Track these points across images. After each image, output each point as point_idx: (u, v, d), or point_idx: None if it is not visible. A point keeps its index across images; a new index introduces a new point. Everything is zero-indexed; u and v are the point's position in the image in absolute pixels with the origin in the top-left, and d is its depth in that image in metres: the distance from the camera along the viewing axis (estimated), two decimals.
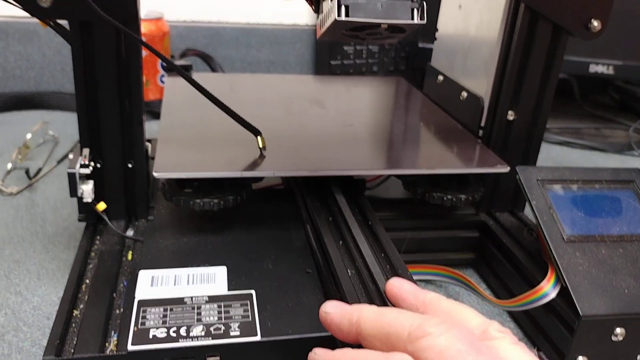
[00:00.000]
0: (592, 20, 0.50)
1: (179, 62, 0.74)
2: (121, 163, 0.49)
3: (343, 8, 0.34)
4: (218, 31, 1.05)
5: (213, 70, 0.83)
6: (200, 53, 0.80)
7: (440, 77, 0.66)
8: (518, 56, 0.53)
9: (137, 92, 0.47)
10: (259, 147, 0.50)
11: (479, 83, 0.58)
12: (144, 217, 0.52)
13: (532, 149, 0.56)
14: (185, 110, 0.59)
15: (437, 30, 0.68)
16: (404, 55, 1.10)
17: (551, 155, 0.92)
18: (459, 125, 0.61)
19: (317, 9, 0.38)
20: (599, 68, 0.96)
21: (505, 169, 0.51)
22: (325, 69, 1.08)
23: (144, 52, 0.92)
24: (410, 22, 0.34)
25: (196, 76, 0.75)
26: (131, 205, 0.51)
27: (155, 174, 0.45)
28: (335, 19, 0.34)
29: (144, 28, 0.92)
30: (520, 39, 0.52)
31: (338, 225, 0.47)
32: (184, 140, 0.52)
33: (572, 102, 1.09)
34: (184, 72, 0.46)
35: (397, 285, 0.35)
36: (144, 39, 0.92)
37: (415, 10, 0.35)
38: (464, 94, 0.60)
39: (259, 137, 0.50)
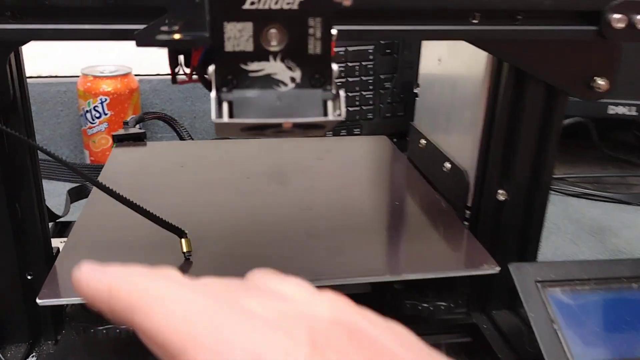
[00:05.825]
0: (596, 78, 0.39)
1: (132, 131, 0.66)
2: (17, 275, 0.40)
3: (225, 106, 0.24)
4: (196, 84, 0.97)
5: (178, 133, 0.75)
6: (161, 116, 0.72)
7: (423, 141, 0.56)
8: (504, 122, 0.43)
9: (29, 192, 0.39)
10: (183, 252, 0.40)
11: (463, 152, 0.48)
12: (51, 340, 0.42)
13: (531, 238, 0.44)
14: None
15: (418, 85, 0.59)
16: (400, 101, 1.00)
17: (568, 211, 0.80)
18: (443, 202, 0.50)
19: None
20: (619, 109, 0.85)
21: (495, 269, 0.41)
22: None
23: (116, 107, 0.85)
24: (321, 119, 0.24)
25: (150, 145, 0.66)
26: (34, 325, 0.42)
27: (38, 301, 0.35)
28: (214, 122, 0.24)
29: (109, 86, 0.85)
30: (505, 101, 0.42)
31: None
32: (96, 244, 0.43)
33: (590, 144, 0.97)
34: (94, 180, 0.36)
35: None
36: (107, 97, 0.84)
37: (330, 103, 0.24)
38: (448, 164, 0.50)
39: (183, 240, 0.40)
